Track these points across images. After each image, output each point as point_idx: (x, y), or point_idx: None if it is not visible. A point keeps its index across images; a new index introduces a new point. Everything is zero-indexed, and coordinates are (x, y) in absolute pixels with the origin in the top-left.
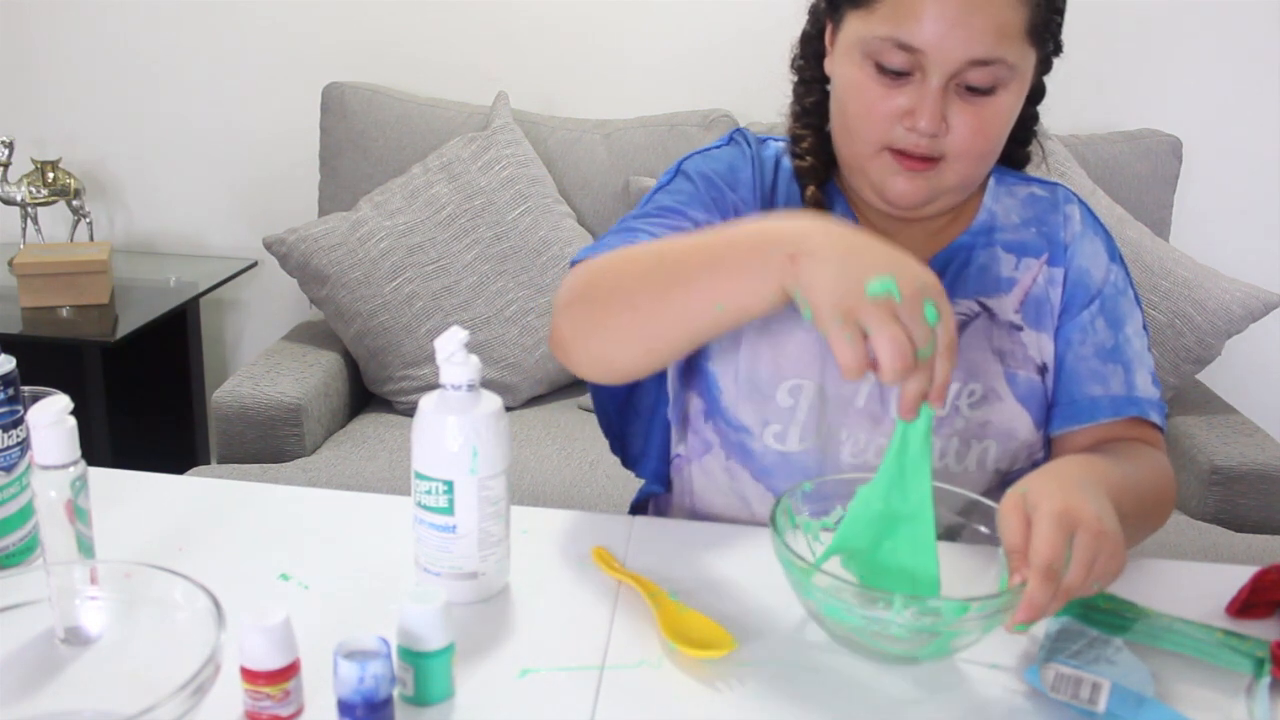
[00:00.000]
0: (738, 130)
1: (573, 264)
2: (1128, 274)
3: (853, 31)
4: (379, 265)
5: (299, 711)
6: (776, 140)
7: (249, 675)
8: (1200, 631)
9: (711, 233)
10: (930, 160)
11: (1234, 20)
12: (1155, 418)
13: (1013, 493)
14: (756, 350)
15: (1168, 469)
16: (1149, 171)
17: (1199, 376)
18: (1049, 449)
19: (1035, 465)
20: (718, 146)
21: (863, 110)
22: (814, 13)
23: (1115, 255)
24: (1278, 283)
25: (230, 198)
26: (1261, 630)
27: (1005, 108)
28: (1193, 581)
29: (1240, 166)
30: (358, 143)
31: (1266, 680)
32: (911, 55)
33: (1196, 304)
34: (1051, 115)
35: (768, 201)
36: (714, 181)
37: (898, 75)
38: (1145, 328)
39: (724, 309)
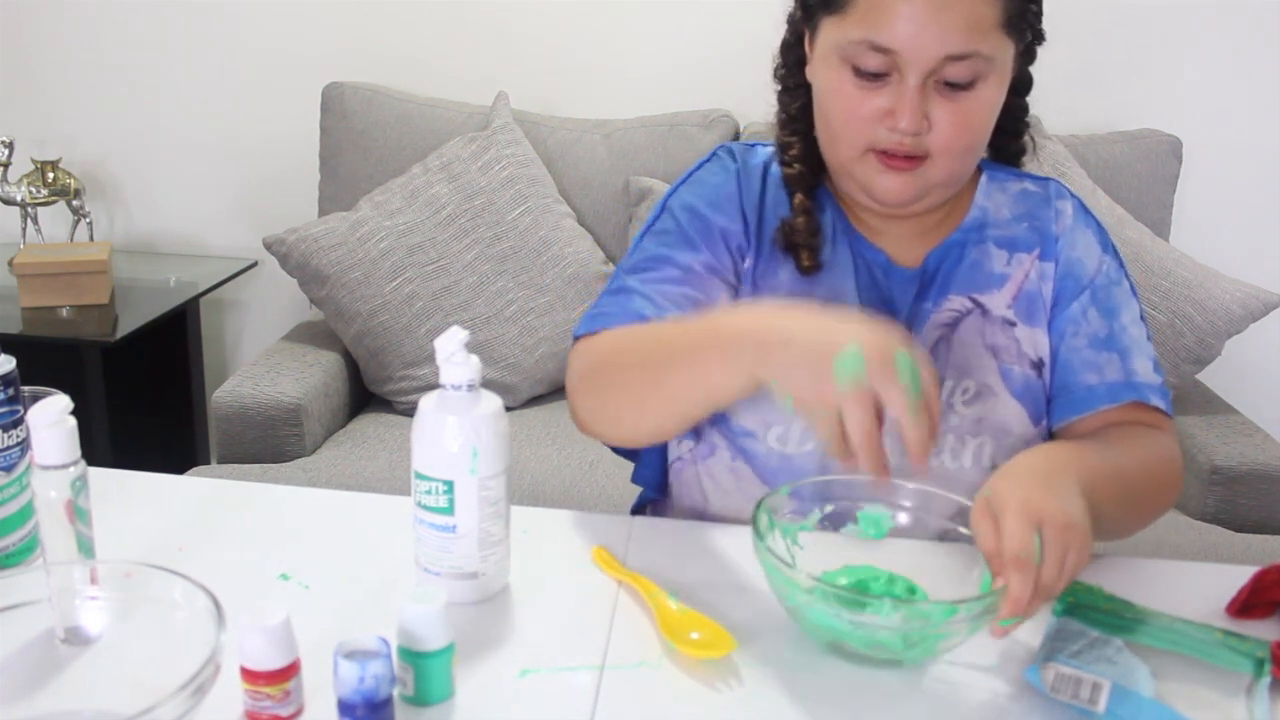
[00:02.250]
0: (722, 146)
1: (575, 336)
2: (1122, 265)
3: (828, 37)
4: (379, 265)
5: (299, 711)
6: (765, 146)
7: (249, 675)
8: (1200, 631)
9: (699, 322)
10: (915, 159)
11: (1234, 20)
12: (1157, 401)
13: (979, 496)
14: None
15: (1171, 452)
16: (1149, 171)
17: (1199, 376)
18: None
19: None
20: (701, 166)
21: (844, 114)
22: (792, 21)
23: (1108, 246)
24: (1278, 283)
25: (230, 198)
26: (1261, 630)
27: (986, 101)
28: (1193, 581)
29: (1240, 166)
30: (358, 143)
31: (1266, 680)
32: (887, 56)
33: (1196, 304)
34: (1051, 115)
35: (758, 210)
36: (698, 212)
37: (876, 77)
38: (1144, 318)
39: (705, 395)
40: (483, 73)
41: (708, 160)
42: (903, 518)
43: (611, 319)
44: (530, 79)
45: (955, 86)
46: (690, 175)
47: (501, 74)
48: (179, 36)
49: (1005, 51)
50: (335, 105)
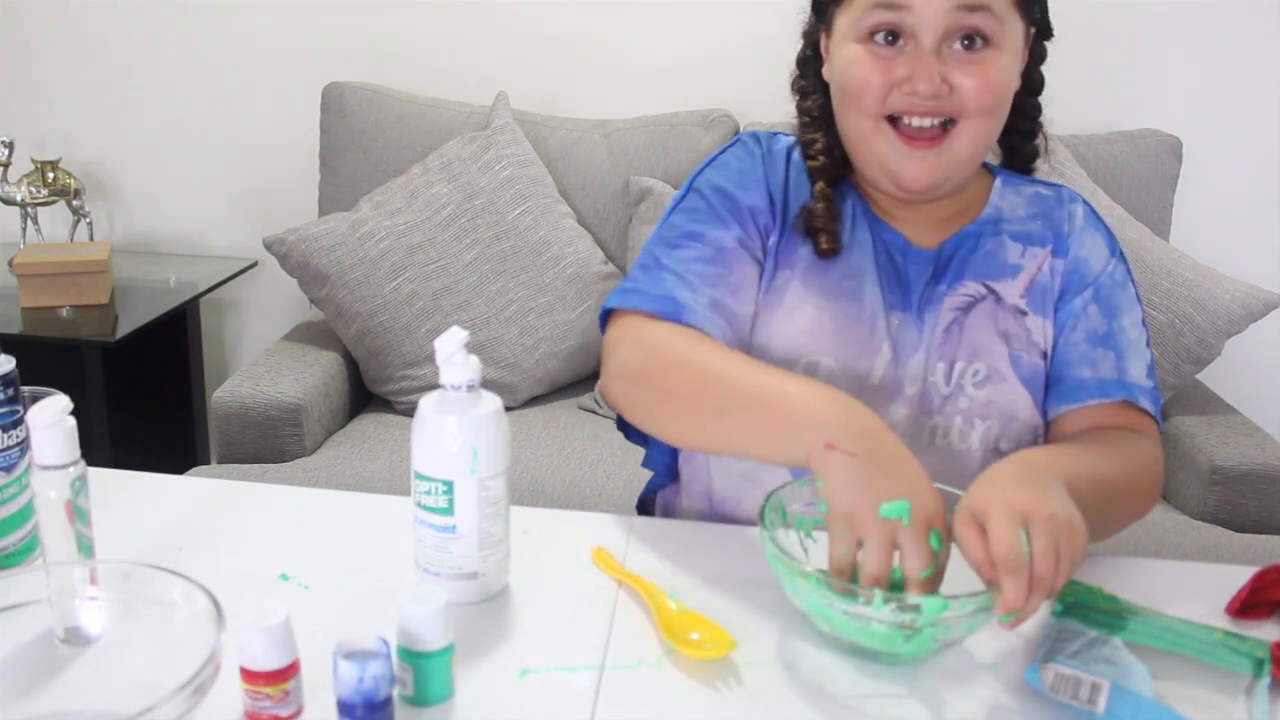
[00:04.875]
0: (746, 132)
1: (605, 309)
2: (1128, 270)
3: (841, 26)
4: (379, 265)
5: (299, 711)
6: (788, 135)
7: (249, 675)
8: (1200, 631)
9: (767, 377)
10: (936, 139)
11: (1234, 20)
12: (1146, 403)
13: (959, 508)
14: (769, 329)
15: (1153, 457)
16: (1149, 171)
17: (1199, 376)
18: (1049, 433)
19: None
20: (725, 151)
21: (860, 82)
22: (807, 35)
23: (1116, 250)
24: (1278, 283)
25: (230, 198)
26: (1261, 630)
27: (1003, 66)
28: (1193, 581)
29: (1240, 166)
30: (358, 143)
31: (1266, 680)
32: (897, 13)
33: (1196, 304)
34: (1052, 115)
35: (783, 191)
36: (726, 192)
37: (891, 43)
38: (1145, 324)
39: (749, 452)
40: (483, 73)
41: (732, 145)
42: None
43: (645, 297)
44: (530, 79)
45: (970, 47)
46: (715, 159)
47: (501, 74)
48: (179, 36)
49: (1015, 23)
50: (335, 105)
